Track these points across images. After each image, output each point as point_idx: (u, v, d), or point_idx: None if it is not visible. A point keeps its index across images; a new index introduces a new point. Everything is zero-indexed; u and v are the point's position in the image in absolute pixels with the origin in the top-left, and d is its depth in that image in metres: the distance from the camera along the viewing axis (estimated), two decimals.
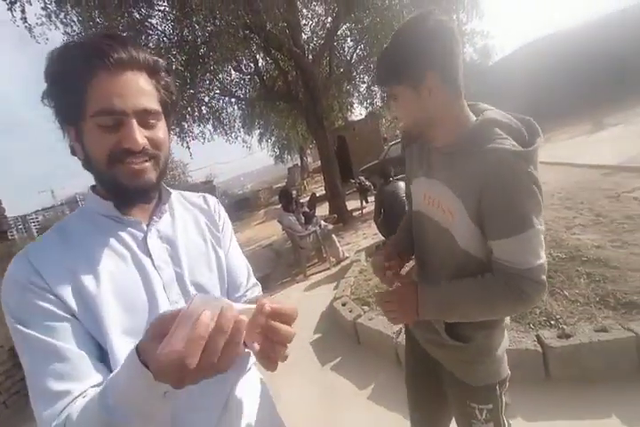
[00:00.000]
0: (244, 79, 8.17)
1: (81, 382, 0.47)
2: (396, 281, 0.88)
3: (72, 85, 0.52)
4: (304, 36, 7.76)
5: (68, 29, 5.72)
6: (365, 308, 2.73)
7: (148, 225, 0.63)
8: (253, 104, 8.61)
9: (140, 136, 0.55)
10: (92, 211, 0.61)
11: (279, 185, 21.89)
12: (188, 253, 0.65)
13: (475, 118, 0.78)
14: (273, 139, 16.35)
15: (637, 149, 5.12)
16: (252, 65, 7.71)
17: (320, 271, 4.59)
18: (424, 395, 1.06)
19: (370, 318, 2.49)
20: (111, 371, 0.50)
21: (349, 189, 9.96)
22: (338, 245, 4.79)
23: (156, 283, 0.59)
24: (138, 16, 5.84)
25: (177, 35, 6.30)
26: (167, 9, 5.85)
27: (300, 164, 22.52)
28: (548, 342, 1.72)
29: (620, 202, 3.18)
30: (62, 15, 5.33)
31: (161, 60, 0.59)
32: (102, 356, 0.51)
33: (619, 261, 2.16)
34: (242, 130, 9.77)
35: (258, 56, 7.68)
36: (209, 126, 8.31)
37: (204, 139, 8.38)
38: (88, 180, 0.63)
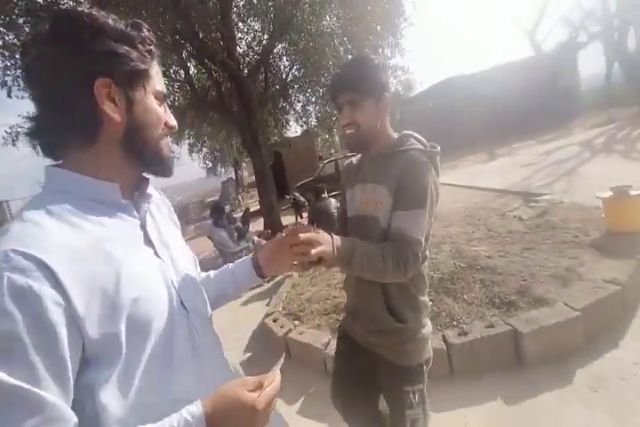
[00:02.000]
0: (173, 86, 7.85)
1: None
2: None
3: (142, 57, 0.56)
4: (240, 50, 7.83)
5: None
6: (296, 322, 2.79)
7: (138, 212, 0.60)
8: (183, 113, 8.30)
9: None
10: (78, 195, 0.52)
11: (212, 199, 21.01)
12: (171, 239, 0.66)
13: (397, 135, 1.07)
14: (205, 150, 15.76)
15: (518, 177, 6.26)
16: (182, 72, 7.47)
17: (254, 288, 4.53)
18: (355, 392, 1.17)
19: (300, 333, 2.55)
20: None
21: (285, 205, 10.07)
22: None
23: (163, 271, 0.58)
24: (41, 1, 5.25)
25: None
26: None
27: (234, 177, 22.01)
28: (450, 340, 2.00)
29: (505, 220, 3.85)
30: None
31: None
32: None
33: (502, 268, 2.60)
34: (170, 139, 9.27)
35: (189, 63, 7.48)
36: None
37: None
38: None
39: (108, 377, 0.46)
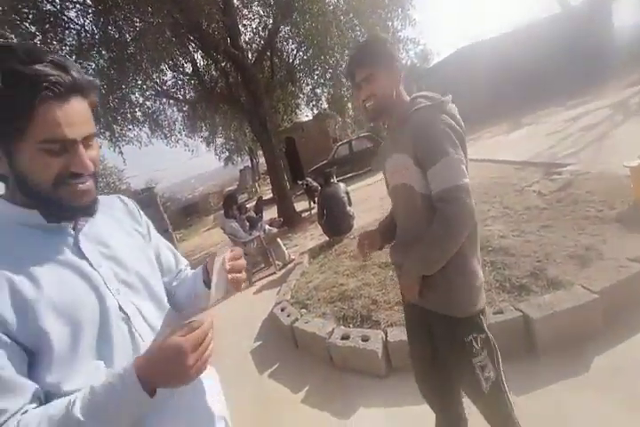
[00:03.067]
0: (183, 80, 7.82)
1: (16, 399, 0.50)
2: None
3: (17, 110, 0.52)
4: (246, 37, 7.64)
5: None
6: (303, 311, 2.78)
7: (74, 230, 0.65)
8: (195, 106, 8.30)
9: (88, 160, 0.59)
10: (11, 221, 0.60)
11: (230, 188, 21.32)
12: (119, 250, 0.70)
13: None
14: (220, 140, 15.85)
15: (542, 146, 5.80)
16: (189, 65, 7.42)
17: (266, 276, 4.59)
18: (428, 364, 1.16)
19: (306, 322, 2.55)
20: (38, 380, 0.54)
21: (299, 191, 10.03)
22: (283, 248, 4.82)
23: (98, 280, 0.63)
24: (51, 8, 5.33)
25: (100, 31, 5.87)
26: (87, 1, 5.43)
27: (250, 165, 22.14)
28: None
29: (523, 195, 3.59)
30: None
31: (93, 80, 0.63)
32: (28, 366, 0.54)
33: (515, 249, 2.43)
34: (183, 133, 9.36)
35: (196, 56, 7.41)
36: (145, 130, 7.87)
37: (141, 143, 7.91)
38: None
39: (54, 378, 0.55)
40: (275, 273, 4.56)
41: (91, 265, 0.64)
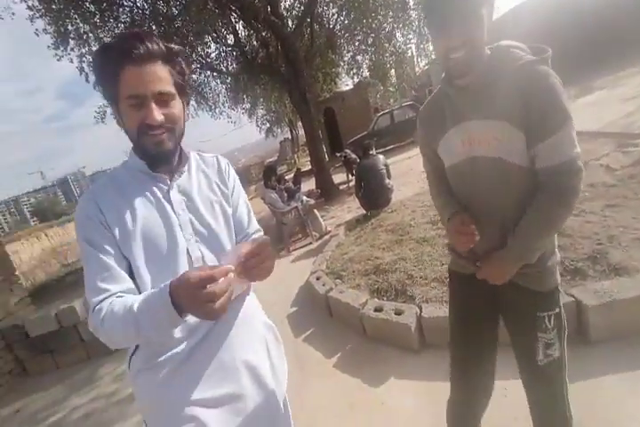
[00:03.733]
0: (226, 52, 7.80)
1: (116, 286, 0.71)
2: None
3: (109, 76, 0.71)
4: (286, 4, 7.30)
5: (32, 3, 5.45)
6: (338, 281, 2.84)
7: (170, 180, 0.81)
8: (237, 78, 8.27)
9: (158, 113, 0.72)
10: (133, 167, 0.81)
11: (271, 159, 21.54)
12: (201, 204, 0.83)
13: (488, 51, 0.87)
14: (261, 112, 15.83)
15: (617, 114, 5.05)
16: (231, 36, 7.30)
17: (303, 246, 4.70)
18: (476, 330, 1.06)
19: (340, 291, 2.61)
20: (135, 282, 0.74)
21: (338, 163, 9.86)
22: (320, 220, 4.86)
23: (174, 224, 0.78)
24: None
25: (150, 7, 5.96)
26: None
27: (290, 137, 22.04)
28: None
29: (588, 170, 3.20)
30: None
31: (175, 48, 0.76)
32: (130, 272, 0.74)
33: (572, 230, 2.22)
34: (226, 105, 9.45)
35: (238, 27, 7.26)
36: (192, 102, 8.03)
37: (188, 115, 8.15)
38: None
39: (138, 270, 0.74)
40: (311, 243, 4.65)
41: (173, 211, 0.79)
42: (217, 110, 9.06)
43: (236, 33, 7.19)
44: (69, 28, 5.70)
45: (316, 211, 4.89)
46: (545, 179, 0.82)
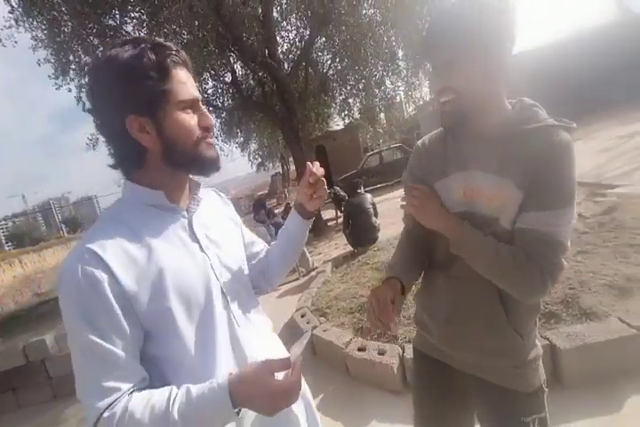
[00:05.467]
0: (222, 88, 8.24)
1: (128, 382, 0.55)
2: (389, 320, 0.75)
3: (156, 79, 0.59)
4: (283, 48, 7.92)
5: (36, 34, 5.74)
6: (322, 319, 2.80)
7: (187, 212, 0.70)
8: (232, 113, 8.69)
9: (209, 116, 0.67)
10: (139, 201, 0.66)
11: (261, 192, 21.82)
12: (221, 235, 0.74)
13: (511, 105, 0.79)
14: (253, 146, 16.37)
15: (589, 165, 5.45)
16: (229, 75, 7.82)
17: (290, 282, 4.66)
18: (444, 419, 0.93)
19: (324, 330, 2.56)
20: (172, 345, 0.61)
21: (327, 199, 10.08)
22: (308, 255, 4.87)
23: (206, 263, 0.67)
24: (112, 23, 5.88)
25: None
26: (142, 17, 5.93)
27: (281, 172, 22.62)
28: None
29: None
30: (30, 20, 5.35)
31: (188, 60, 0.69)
32: (148, 340, 0.61)
33: None
34: (220, 138, 9.81)
35: (236, 66, 7.80)
36: None
37: None
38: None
39: (163, 352, 0.61)
40: (298, 279, 4.62)
41: (200, 247, 0.67)
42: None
43: (233, 72, 7.61)
44: (70, 58, 5.92)
45: (304, 247, 4.94)
46: (526, 240, 0.70)
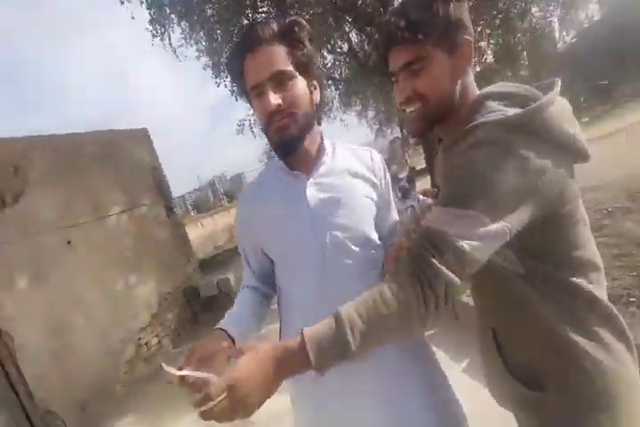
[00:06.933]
0: (339, 59, 8.36)
1: (247, 282, 0.90)
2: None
3: (236, 75, 0.74)
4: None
5: (199, 46, 6.95)
6: None
7: (308, 177, 0.77)
8: (349, 83, 8.76)
9: (274, 97, 0.67)
10: (275, 166, 0.83)
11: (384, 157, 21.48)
12: (341, 201, 0.76)
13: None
14: (371, 113, 16.16)
15: None
16: (345, 44, 7.82)
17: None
18: None
19: None
20: (266, 275, 0.89)
21: None
22: None
23: (308, 223, 0.75)
24: (246, 21, 6.68)
25: None
26: (269, 10, 6.51)
27: (400, 136, 21.59)
28: None
29: None
30: (194, 35, 6.60)
31: (290, 21, 0.70)
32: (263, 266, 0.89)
33: None
34: (339, 109, 10.12)
35: (351, 35, 7.74)
36: None
37: (321, 96, 9.15)
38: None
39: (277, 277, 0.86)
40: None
41: (309, 207, 0.75)
42: (331, 115, 9.80)
43: (349, 40, 7.64)
44: (221, 60, 7.02)
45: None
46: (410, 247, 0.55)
